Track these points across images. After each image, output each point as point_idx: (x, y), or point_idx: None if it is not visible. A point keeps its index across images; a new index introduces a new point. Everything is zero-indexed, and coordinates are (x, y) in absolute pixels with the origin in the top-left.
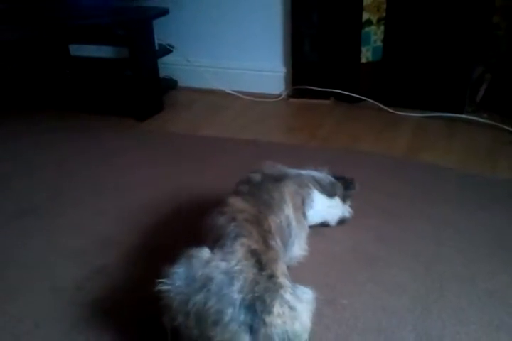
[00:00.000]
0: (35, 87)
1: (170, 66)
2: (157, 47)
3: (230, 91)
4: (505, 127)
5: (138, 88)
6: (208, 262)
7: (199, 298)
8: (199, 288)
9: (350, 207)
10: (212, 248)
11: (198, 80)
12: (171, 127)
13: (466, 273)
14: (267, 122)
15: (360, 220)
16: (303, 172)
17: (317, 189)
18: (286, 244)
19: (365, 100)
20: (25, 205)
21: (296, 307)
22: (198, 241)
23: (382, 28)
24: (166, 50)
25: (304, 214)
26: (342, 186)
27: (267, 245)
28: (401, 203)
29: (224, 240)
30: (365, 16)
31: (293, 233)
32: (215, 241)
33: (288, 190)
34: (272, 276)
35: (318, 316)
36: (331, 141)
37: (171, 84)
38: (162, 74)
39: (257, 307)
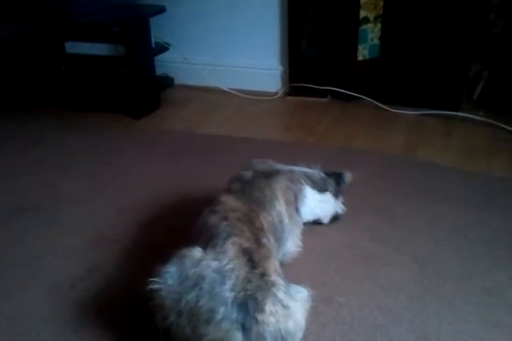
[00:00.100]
0: (31, 84)
1: (166, 64)
2: (154, 45)
3: (227, 89)
4: (501, 125)
5: (134, 86)
6: (199, 261)
7: (191, 296)
8: (191, 287)
9: (343, 203)
10: (204, 247)
11: (195, 78)
12: (168, 125)
13: (462, 271)
14: (263, 120)
15: (357, 218)
16: (294, 168)
17: (308, 184)
18: (279, 240)
19: (362, 98)
20: (22, 203)
21: (290, 306)
22: (192, 240)
23: (379, 25)
24: (163, 48)
25: (297, 210)
26: (334, 182)
27: (258, 243)
28: (397, 201)
29: (216, 239)
30: (362, 14)
31: (286, 229)
32: (208, 240)
33: (279, 186)
34: (264, 274)
35: (314, 314)
36: (328, 139)
37: (167, 82)
38: (158, 71)
39: (249, 305)
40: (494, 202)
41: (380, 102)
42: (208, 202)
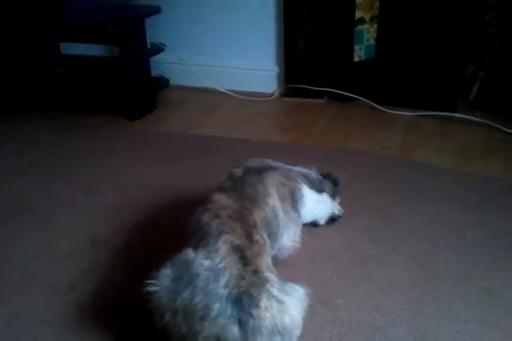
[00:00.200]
0: (26, 85)
1: (162, 65)
2: (149, 46)
3: (223, 90)
4: (497, 126)
5: (129, 87)
6: (192, 261)
7: (186, 294)
8: (185, 286)
9: (340, 204)
10: (197, 246)
11: (191, 79)
12: (164, 126)
13: (460, 272)
14: (259, 121)
15: (353, 219)
16: (292, 167)
17: (306, 184)
18: (274, 236)
19: (358, 99)
20: (19, 205)
21: (285, 301)
22: (186, 239)
23: (375, 26)
24: (158, 49)
25: (294, 206)
26: (330, 183)
27: (250, 240)
28: (394, 202)
29: (208, 238)
30: (358, 15)
31: (281, 224)
32: (201, 238)
33: (271, 181)
34: (257, 271)
35: (312, 315)
36: (324, 140)
37: (163, 83)
38: (154, 72)
39: (244, 301)
40: (491, 202)
41: (377, 103)
42: (203, 201)
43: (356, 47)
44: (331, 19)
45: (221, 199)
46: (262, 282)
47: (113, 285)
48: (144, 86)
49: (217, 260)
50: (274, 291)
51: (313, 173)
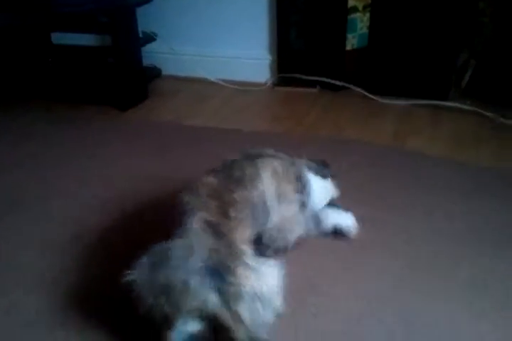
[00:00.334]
0: (17, 76)
1: (154, 54)
2: (141, 35)
3: (215, 80)
4: (488, 114)
5: (121, 76)
6: (167, 244)
7: (163, 275)
8: (162, 267)
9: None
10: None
11: (183, 69)
12: (156, 116)
13: (447, 260)
14: (252, 111)
15: (347, 207)
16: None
17: (312, 171)
18: (259, 220)
19: (351, 88)
20: (13, 197)
21: (261, 271)
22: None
23: (367, 14)
24: (150, 38)
25: (299, 190)
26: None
27: (226, 216)
28: (386, 190)
29: (185, 216)
30: (351, 3)
31: (271, 211)
32: (180, 218)
33: (266, 166)
34: (232, 245)
35: (300, 303)
36: (317, 129)
37: (155, 73)
38: (146, 62)
39: (221, 271)
40: (482, 190)
41: (369, 92)
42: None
43: (349, 36)
44: (324, 8)
45: (206, 180)
46: (237, 254)
47: (96, 275)
48: (135, 76)
49: (191, 237)
50: (250, 262)
51: (310, 162)
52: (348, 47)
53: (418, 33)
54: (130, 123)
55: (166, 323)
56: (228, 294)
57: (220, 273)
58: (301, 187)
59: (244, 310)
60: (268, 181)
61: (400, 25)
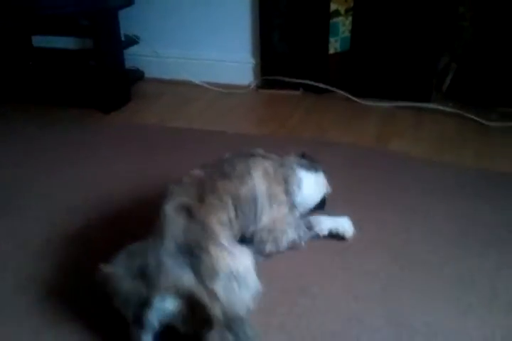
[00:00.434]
0: None
1: (136, 57)
2: (123, 38)
3: (199, 83)
4: (470, 116)
5: (103, 79)
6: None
7: (139, 258)
8: (137, 253)
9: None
10: None
11: (166, 71)
12: (139, 119)
13: (434, 260)
14: (236, 113)
15: (328, 210)
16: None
17: (303, 168)
18: (247, 215)
19: (334, 91)
20: None
21: (235, 252)
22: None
23: (350, 18)
24: (132, 41)
25: (287, 191)
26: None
27: (202, 201)
28: (369, 192)
29: (162, 202)
30: (333, 7)
31: (259, 207)
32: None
33: (257, 165)
34: (205, 226)
35: (290, 304)
36: (300, 132)
37: (137, 76)
38: (128, 65)
39: (194, 250)
40: (467, 190)
41: (352, 95)
42: None
43: (331, 40)
44: (306, 11)
45: (193, 172)
46: (209, 234)
47: (75, 270)
48: (118, 78)
49: (163, 218)
50: (224, 242)
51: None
52: (331, 51)
53: (399, 36)
54: (114, 125)
55: (143, 303)
56: (203, 272)
57: (194, 252)
58: (290, 188)
59: (219, 287)
60: (259, 181)
61: (381, 28)
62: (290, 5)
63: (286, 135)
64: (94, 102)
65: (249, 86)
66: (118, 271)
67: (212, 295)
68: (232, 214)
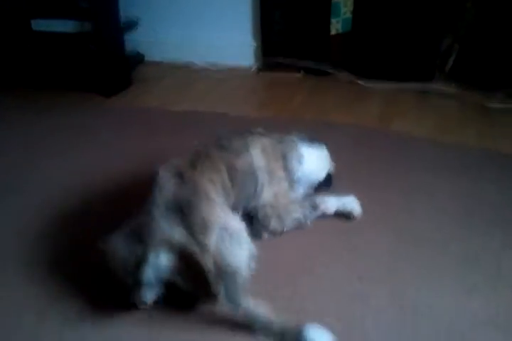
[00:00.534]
0: None
1: (136, 40)
2: (122, 21)
3: (200, 65)
4: (472, 96)
5: (103, 63)
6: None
7: (135, 224)
8: (134, 222)
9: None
10: None
11: (167, 54)
12: (140, 103)
13: (438, 239)
14: (237, 96)
15: (334, 191)
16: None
17: (304, 143)
18: (246, 186)
19: (335, 72)
20: None
21: (227, 211)
22: None
23: None
24: (132, 24)
25: (286, 167)
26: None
27: (195, 167)
28: (372, 172)
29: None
30: None
31: (259, 182)
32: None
33: (255, 142)
34: (195, 184)
35: (294, 285)
36: (303, 114)
37: (138, 59)
38: (128, 48)
39: (185, 206)
40: (471, 170)
41: (354, 76)
42: None
43: (333, 21)
44: None
45: (193, 148)
46: (200, 191)
47: (71, 255)
48: (118, 62)
49: (156, 183)
50: (216, 198)
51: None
52: (333, 32)
53: (402, 17)
54: (114, 109)
55: (139, 262)
56: (194, 226)
57: (185, 208)
58: (289, 164)
59: (210, 240)
60: (258, 156)
61: (383, 9)
62: None
63: (289, 117)
64: (95, 86)
65: (250, 68)
66: (116, 243)
67: (203, 247)
68: (227, 180)
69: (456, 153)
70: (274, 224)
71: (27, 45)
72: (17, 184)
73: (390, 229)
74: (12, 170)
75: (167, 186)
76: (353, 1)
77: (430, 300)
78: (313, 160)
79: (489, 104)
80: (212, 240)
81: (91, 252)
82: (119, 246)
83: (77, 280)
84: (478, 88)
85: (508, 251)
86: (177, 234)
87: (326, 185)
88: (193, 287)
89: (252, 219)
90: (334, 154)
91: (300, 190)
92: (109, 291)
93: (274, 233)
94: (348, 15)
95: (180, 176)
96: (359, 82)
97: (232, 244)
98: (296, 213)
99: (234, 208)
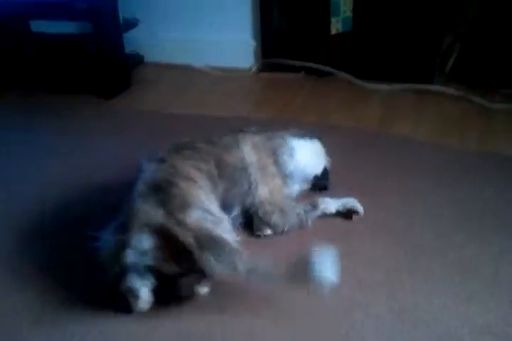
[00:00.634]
0: None
1: (136, 41)
2: (121, 22)
3: (199, 66)
4: (473, 98)
5: (102, 64)
6: None
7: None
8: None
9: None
10: None
11: (166, 55)
12: (139, 105)
13: (436, 246)
14: (236, 97)
15: (331, 194)
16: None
17: (295, 137)
18: (237, 181)
19: (336, 73)
20: None
21: (201, 184)
22: None
23: None
24: (131, 24)
25: (277, 162)
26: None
27: (178, 152)
28: (372, 176)
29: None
30: None
31: (252, 178)
32: None
33: (245, 139)
34: (174, 165)
35: (293, 291)
36: (303, 115)
37: (137, 60)
38: (128, 49)
39: (163, 186)
40: (468, 175)
41: (354, 77)
42: None
43: (333, 20)
44: None
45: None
46: (179, 171)
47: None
48: (117, 63)
49: (138, 169)
50: (198, 180)
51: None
52: (333, 32)
53: (402, 16)
54: (113, 112)
55: (123, 248)
56: (173, 205)
57: (163, 187)
58: (280, 159)
59: (189, 217)
60: (249, 153)
61: (384, 8)
62: None
63: (288, 119)
64: (94, 88)
65: (250, 69)
66: (106, 237)
67: (182, 223)
68: (214, 169)
69: (456, 155)
70: (275, 219)
71: (27, 45)
72: (13, 186)
73: (389, 234)
74: (9, 172)
75: (148, 170)
76: (353, 0)
77: (429, 307)
78: (306, 153)
79: (490, 104)
80: (193, 218)
81: (83, 246)
82: (108, 239)
83: (73, 280)
84: (479, 89)
85: (506, 257)
86: (156, 215)
87: (323, 179)
88: (180, 268)
89: (252, 217)
90: (333, 157)
91: (295, 186)
92: (104, 289)
93: (276, 228)
94: (348, 13)
95: (162, 161)
96: (359, 83)
97: (215, 227)
98: (297, 208)
99: (229, 205)
